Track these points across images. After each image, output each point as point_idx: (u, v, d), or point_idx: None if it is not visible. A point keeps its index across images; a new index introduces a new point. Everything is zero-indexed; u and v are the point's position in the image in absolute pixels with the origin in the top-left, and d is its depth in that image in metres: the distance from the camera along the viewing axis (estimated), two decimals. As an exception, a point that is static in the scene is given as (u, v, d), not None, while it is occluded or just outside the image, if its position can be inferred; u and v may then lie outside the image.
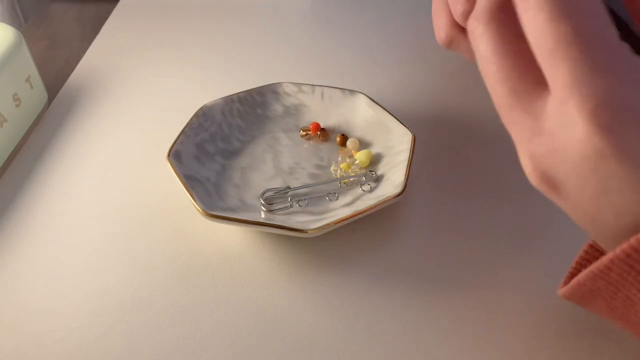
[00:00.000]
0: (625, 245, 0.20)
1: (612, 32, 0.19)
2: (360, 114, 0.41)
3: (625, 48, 0.19)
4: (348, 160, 0.38)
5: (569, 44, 0.18)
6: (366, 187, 0.36)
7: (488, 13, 0.22)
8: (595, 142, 0.19)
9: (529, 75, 0.21)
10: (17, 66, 0.40)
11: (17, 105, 0.40)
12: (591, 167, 0.19)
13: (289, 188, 0.36)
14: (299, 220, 0.33)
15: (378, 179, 0.36)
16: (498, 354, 0.28)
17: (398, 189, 0.33)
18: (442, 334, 0.29)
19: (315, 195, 0.36)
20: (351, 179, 0.37)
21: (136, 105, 0.45)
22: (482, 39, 0.22)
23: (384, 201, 0.32)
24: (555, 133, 0.20)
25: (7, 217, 0.35)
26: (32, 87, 0.42)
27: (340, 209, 0.34)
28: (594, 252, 0.25)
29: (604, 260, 0.21)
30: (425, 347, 0.28)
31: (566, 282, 0.25)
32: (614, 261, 0.20)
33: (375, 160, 0.38)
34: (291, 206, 0.35)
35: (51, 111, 0.44)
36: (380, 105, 0.40)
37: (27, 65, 0.42)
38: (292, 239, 0.34)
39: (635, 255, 0.20)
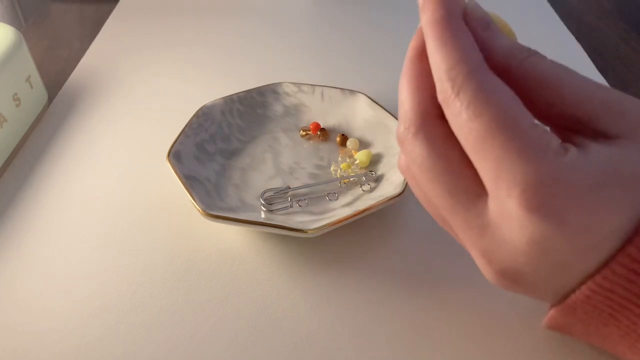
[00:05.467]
0: (584, 288, 0.21)
1: (527, 117, 0.20)
2: (360, 114, 0.41)
3: (540, 129, 0.20)
4: (348, 160, 0.38)
5: (488, 138, 0.19)
6: (366, 187, 0.36)
7: (415, 123, 0.22)
8: (534, 226, 0.19)
9: (464, 177, 0.22)
10: (17, 66, 0.40)
11: (17, 105, 0.40)
12: (540, 249, 0.20)
13: (289, 188, 0.36)
14: (299, 220, 0.33)
15: (378, 179, 0.36)
16: (499, 354, 0.28)
17: (398, 189, 0.33)
18: (442, 333, 0.29)
19: (315, 195, 0.36)
20: (351, 179, 0.37)
21: (136, 105, 0.45)
22: (413, 146, 0.22)
23: (384, 201, 0.32)
24: (499, 225, 0.21)
25: (7, 217, 0.35)
26: (32, 87, 0.43)
27: (340, 209, 0.34)
28: None
29: (568, 302, 0.22)
30: (426, 347, 0.28)
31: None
32: (576, 302, 0.22)
33: (375, 160, 0.38)
34: (291, 206, 0.35)
35: (51, 111, 0.44)
36: (380, 105, 0.40)
37: (27, 65, 0.42)
38: (292, 239, 0.34)
39: (596, 297, 0.21)
